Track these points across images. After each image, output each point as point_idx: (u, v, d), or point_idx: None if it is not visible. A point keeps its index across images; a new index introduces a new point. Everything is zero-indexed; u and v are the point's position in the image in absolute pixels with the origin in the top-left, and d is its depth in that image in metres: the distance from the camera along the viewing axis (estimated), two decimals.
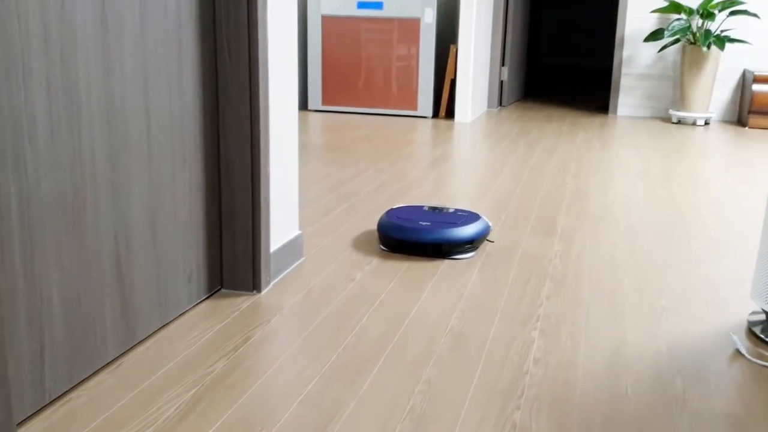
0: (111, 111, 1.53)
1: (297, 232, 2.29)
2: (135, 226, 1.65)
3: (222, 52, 1.89)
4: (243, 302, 1.96)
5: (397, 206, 2.62)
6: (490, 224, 2.59)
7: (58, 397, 1.47)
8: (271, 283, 2.09)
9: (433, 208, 2.57)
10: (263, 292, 2.03)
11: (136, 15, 1.58)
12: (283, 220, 2.18)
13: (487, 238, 2.59)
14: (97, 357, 1.57)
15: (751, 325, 1.90)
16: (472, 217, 2.47)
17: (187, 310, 1.90)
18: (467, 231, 2.37)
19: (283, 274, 2.17)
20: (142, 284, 1.70)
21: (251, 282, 2.02)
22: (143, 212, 1.67)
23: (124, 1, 1.54)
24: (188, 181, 1.84)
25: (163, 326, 1.81)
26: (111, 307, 1.59)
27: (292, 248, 2.23)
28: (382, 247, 2.45)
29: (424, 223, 2.39)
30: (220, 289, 2.04)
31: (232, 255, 2.01)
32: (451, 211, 2.54)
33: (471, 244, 2.38)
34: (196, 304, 1.94)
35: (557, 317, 1.93)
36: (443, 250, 2.35)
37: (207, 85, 1.88)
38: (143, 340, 1.73)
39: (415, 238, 2.35)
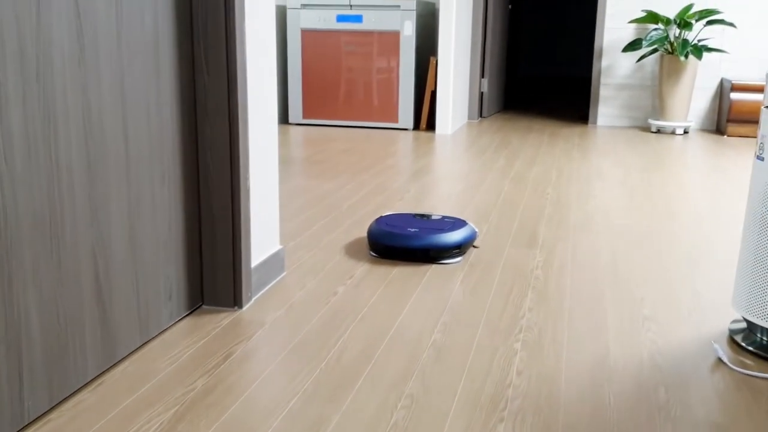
0: (88, 127, 1.52)
1: (278, 246, 2.28)
2: (114, 243, 1.63)
3: (200, 66, 1.89)
4: (224, 318, 1.95)
5: (386, 214, 2.66)
6: (477, 230, 2.65)
7: (38, 417, 1.45)
8: (253, 299, 2.08)
9: (421, 215, 2.63)
10: (244, 308, 2.02)
11: (112, 30, 1.57)
12: (264, 234, 2.17)
13: (474, 244, 2.64)
14: (78, 376, 1.55)
15: (732, 333, 1.91)
16: (458, 223, 2.53)
17: (167, 328, 1.88)
18: (454, 237, 2.44)
19: (264, 290, 2.16)
20: (122, 302, 1.68)
21: (232, 298, 2.00)
22: (122, 229, 1.66)
23: (99, 15, 1.53)
24: (168, 197, 1.83)
25: (144, 344, 1.79)
26: (91, 326, 1.57)
27: (274, 263, 2.22)
28: (372, 253, 2.50)
29: (412, 230, 2.46)
30: (201, 305, 2.03)
31: (213, 271, 2.00)
32: (438, 217, 2.61)
33: (458, 249, 2.44)
34: (177, 321, 1.92)
35: (540, 328, 1.93)
36: (431, 255, 2.41)
37: (185, 100, 1.87)
38: (124, 358, 1.71)
39: (403, 244, 2.41)
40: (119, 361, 1.69)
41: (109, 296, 1.63)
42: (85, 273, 1.54)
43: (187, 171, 1.90)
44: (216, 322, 1.93)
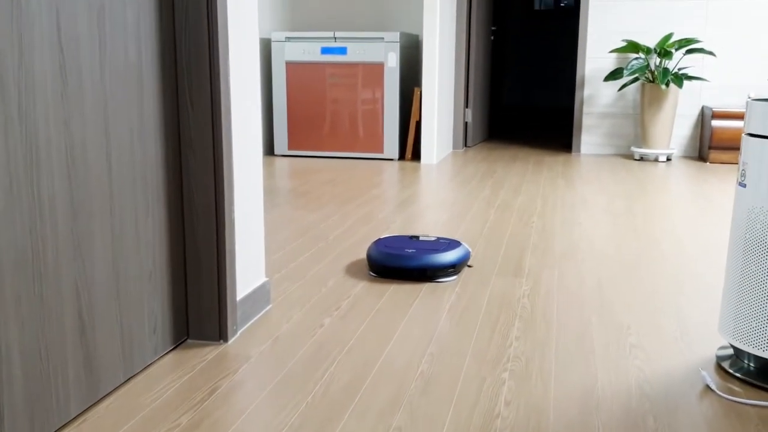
0: (71, 161, 1.51)
1: (263, 279, 2.27)
2: (97, 277, 1.62)
3: (184, 99, 1.89)
4: (209, 352, 1.93)
5: (384, 236, 2.75)
6: (470, 250, 2.75)
7: None
8: (238, 332, 2.06)
9: (417, 237, 2.75)
10: (230, 342, 2.00)
11: (96, 64, 1.57)
12: (249, 267, 2.15)
13: (468, 263, 2.74)
14: (60, 413, 1.52)
15: (719, 360, 1.91)
16: (453, 244, 2.65)
17: (152, 362, 1.86)
18: (449, 257, 2.55)
19: (250, 323, 2.14)
20: (106, 337, 1.66)
21: (218, 331, 1.98)
22: (105, 263, 1.64)
23: (83, 50, 1.53)
24: (152, 230, 1.82)
25: (128, 380, 1.76)
26: (74, 362, 1.55)
27: (259, 296, 2.20)
28: (371, 273, 2.61)
29: (409, 251, 2.57)
30: (186, 339, 2.01)
31: (198, 304, 1.98)
32: (432, 239, 2.72)
33: (453, 268, 2.56)
34: (162, 356, 1.90)
35: (527, 357, 1.93)
36: (428, 274, 2.53)
37: (169, 132, 1.87)
38: (107, 394, 1.69)
39: (401, 264, 2.52)
40: (103, 398, 1.67)
41: (92, 331, 1.61)
42: (68, 308, 1.53)
43: (171, 204, 1.89)
44: (201, 356, 1.91)
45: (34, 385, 1.44)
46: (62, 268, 1.50)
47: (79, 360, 1.57)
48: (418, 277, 2.53)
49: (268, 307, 2.27)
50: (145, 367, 1.83)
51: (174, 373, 1.80)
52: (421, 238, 2.72)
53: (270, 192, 4.21)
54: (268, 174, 4.86)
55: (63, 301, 1.51)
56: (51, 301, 1.47)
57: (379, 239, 2.73)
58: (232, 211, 1.98)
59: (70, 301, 1.53)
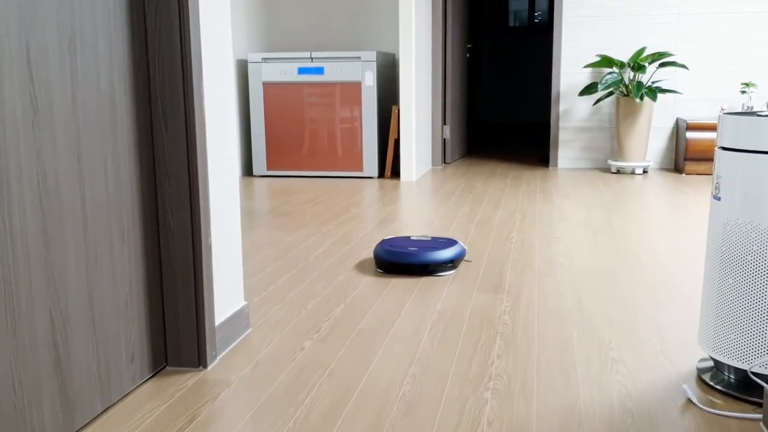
0: (44, 190, 1.49)
1: (242, 303, 2.25)
2: (72, 306, 1.59)
3: (158, 125, 1.88)
4: (189, 379, 1.91)
5: (388, 237, 3.10)
6: (466, 248, 3.07)
7: None
8: (218, 358, 2.04)
9: (417, 238, 3.06)
10: (209, 368, 1.98)
11: (67, 93, 1.56)
12: (227, 291, 2.14)
13: (465, 258, 3.09)
14: None
15: (700, 372, 1.91)
16: (450, 242, 2.98)
17: (130, 391, 1.83)
18: (447, 253, 2.89)
19: (229, 348, 2.12)
20: (82, 367, 1.64)
21: (196, 358, 1.96)
22: (80, 292, 1.62)
23: (53, 79, 1.52)
24: (128, 256, 1.80)
25: (106, 409, 1.74)
26: (49, 394, 1.53)
27: (238, 320, 2.19)
28: (378, 270, 2.93)
29: (412, 249, 2.89)
30: (164, 366, 1.98)
31: (176, 331, 1.96)
32: (429, 238, 3.05)
33: (452, 263, 2.88)
34: (140, 384, 1.87)
35: (509, 376, 1.92)
36: (429, 269, 2.84)
37: (144, 158, 1.85)
38: (85, 425, 1.66)
39: (406, 260, 2.84)
40: (80, 429, 1.64)
41: (67, 362, 1.58)
42: (42, 339, 1.50)
43: (147, 230, 1.88)
44: (180, 383, 1.88)
45: (7, 419, 1.41)
46: (36, 299, 1.48)
47: (54, 391, 1.55)
48: (420, 272, 2.84)
49: (247, 331, 2.25)
50: (123, 396, 1.80)
51: (153, 401, 1.78)
52: (419, 238, 3.04)
53: (249, 213, 4.19)
54: (247, 195, 4.84)
55: (37, 333, 1.49)
56: (24, 333, 1.45)
57: (384, 240, 3.04)
58: (208, 235, 1.96)
59: (44, 332, 1.51)
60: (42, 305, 1.50)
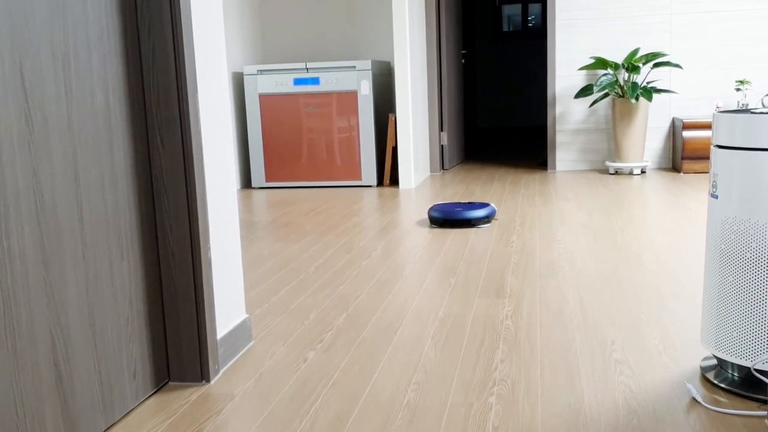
0: (41, 210, 1.49)
1: (244, 315, 2.25)
2: (73, 324, 1.59)
3: (155, 141, 1.88)
4: (192, 394, 1.90)
5: (437, 203, 4.24)
6: (496, 209, 4.21)
7: None
8: (221, 371, 2.04)
9: (459, 202, 4.17)
10: (213, 382, 1.97)
11: (62, 111, 1.56)
12: (228, 304, 2.13)
13: (495, 217, 4.09)
14: None
15: (704, 371, 1.91)
16: (485, 204, 4.01)
17: (133, 408, 1.83)
18: (483, 211, 3.93)
19: (232, 361, 2.12)
20: (84, 385, 1.63)
21: (199, 372, 1.96)
22: (81, 310, 1.62)
23: (48, 97, 1.52)
24: (128, 273, 1.80)
25: (109, 427, 1.73)
26: (51, 413, 1.52)
27: (240, 333, 2.18)
28: (433, 225, 3.96)
29: (458, 209, 3.93)
30: (167, 382, 1.98)
31: (178, 346, 1.96)
32: (467, 202, 4.26)
33: (487, 218, 3.92)
34: (143, 401, 1.87)
35: (513, 380, 1.92)
36: (472, 222, 3.88)
37: (141, 174, 1.86)
38: None
39: (454, 216, 3.90)
40: None
41: (69, 380, 1.58)
42: (43, 358, 1.50)
43: (146, 245, 1.88)
44: (184, 398, 1.88)
45: None
46: (36, 318, 1.48)
47: (56, 410, 1.54)
48: (465, 225, 3.88)
49: (250, 344, 2.25)
50: (127, 413, 1.80)
51: (156, 417, 1.78)
52: (462, 202, 4.14)
53: (249, 225, 4.19)
54: (246, 207, 4.84)
55: (37, 352, 1.48)
56: (25, 353, 1.45)
57: (434, 205, 4.06)
58: (208, 249, 1.96)
59: (45, 351, 1.50)
60: (42, 324, 1.50)
